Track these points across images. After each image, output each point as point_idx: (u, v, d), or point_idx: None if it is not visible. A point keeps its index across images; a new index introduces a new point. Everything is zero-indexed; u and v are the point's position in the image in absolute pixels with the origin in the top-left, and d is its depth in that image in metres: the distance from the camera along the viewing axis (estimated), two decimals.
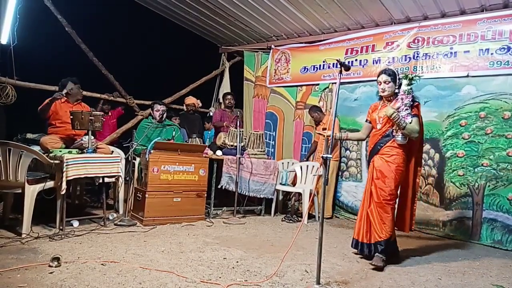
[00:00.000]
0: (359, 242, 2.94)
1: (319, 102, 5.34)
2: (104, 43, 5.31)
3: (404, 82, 2.85)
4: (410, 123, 2.79)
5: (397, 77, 2.90)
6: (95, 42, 5.18)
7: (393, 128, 2.86)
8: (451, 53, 4.26)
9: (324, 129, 4.85)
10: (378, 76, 2.94)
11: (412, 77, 2.83)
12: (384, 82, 2.90)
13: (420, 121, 2.90)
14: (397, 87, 2.89)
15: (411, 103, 2.82)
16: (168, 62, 6.13)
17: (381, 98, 3.01)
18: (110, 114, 5.68)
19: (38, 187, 3.07)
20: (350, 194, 4.92)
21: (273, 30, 5.69)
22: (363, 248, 2.92)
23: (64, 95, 3.71)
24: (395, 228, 3.01)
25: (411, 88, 2.82)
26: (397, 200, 2.96)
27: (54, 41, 4.82)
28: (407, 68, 4.56)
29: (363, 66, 4.95)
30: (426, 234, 4.15)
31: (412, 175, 3.02)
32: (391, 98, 2.93)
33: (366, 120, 3.11)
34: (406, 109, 2.81)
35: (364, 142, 4.74)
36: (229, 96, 5.47)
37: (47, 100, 3.65)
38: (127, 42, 5.61)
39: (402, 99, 2.83)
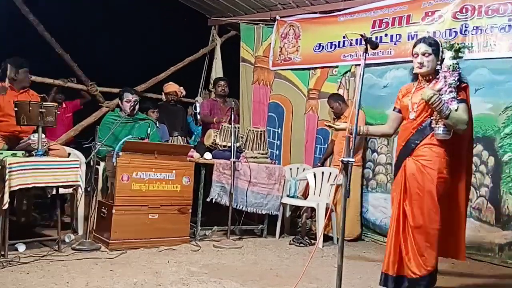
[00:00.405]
0: (384, 274, 2.84)
1: (338, 89, 5.34)
2: (59, 14, 5.29)
3: (448, 54, 2.71)
4: (456, 110, 2.65)
5: (440, 50, 2.77)
6: (47, 12, 5.15)
7: (432, 117, 2.73)
8: (509, 26, 4.25)
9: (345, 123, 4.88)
10: (415, 46, 2.84)
11: (459, 48, 2.70)
12: (423, 54, 2.76)
13: (469, 109, 2.78)
14: (439, 62, 2.76)
15: (457, 83, 2.69)
16: (142, 39, 6.12)
17: (416, 77, 2.88)
18: (64, 106, 5.67)
19: None
20: (378, 209, 4.92)
21: None
22: (387, 281, 2.81)
23: (8, 87, 3.70)
24: (445, 256, 2.95)
25: (457, 63, 2.69)
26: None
27: None
28: None
29: (395, 43, 4.95)
30: (477, 261, 4.14)
31: (465, 184, 2.90)
32: (431, 77, 2.81)
33: (394, 109, 2.99)
34: (451, 91, 2.67)
35: (394, 140, 4.71)
36: (222, 82, 5.48)
37: None
38: (88, 13, 5.60)
39: (445, 77, 2.70)
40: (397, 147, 2.97)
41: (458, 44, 2.74)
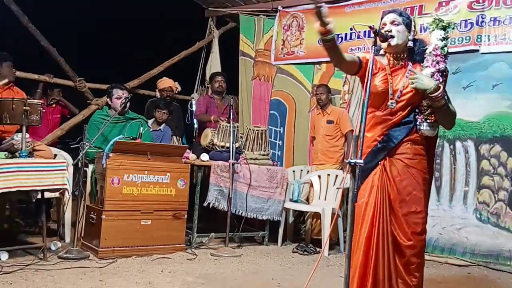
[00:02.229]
0: None
1: (343, 85, 5.35)
2: (44, 4, 5.30)
3: (438, 33, 2.45)
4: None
5: (412, 25, 2.51)
6: (31, 2, 5.15)
7: (422, 111, 2.46)
8: None
9: (329, 121, 4.96)
10: (382, 17, 2.56)
11: (448, 24, 2.44)
12: (392, 23, 2.48)
13: None
14: (410, 38, 2.49)
15: (446, 70, 2.45)
16: (134, 31, 6.13)
17: (382, 57, 2.58)
18: (54, 106, 5.69)
19: None
20: None
21: None
22: None
23: None
24: None
25: (446, 45, 2.43)
26: None
27: None
28: (468, 38, 4.55)
29: None
30: (494, 271, 4.12)
31: (428, 188, 2.61)
32: (403, 55, 2.53)
33: (358, 57, 2.53)
34: (443, 81, 2.43)
35: None
36: (219, 77, 5.49)
37: None
38: (75, 4, 5.60)
39: (437, 62, 2.42)
40: (368, 143, 2.48)
41: (446, 21, 2.46)
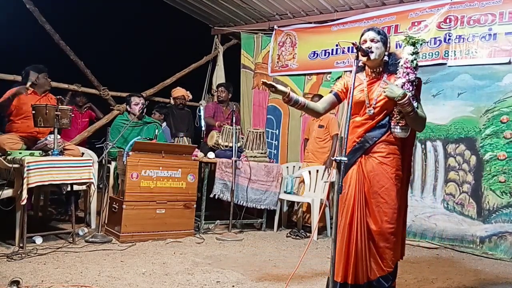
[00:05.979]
0: (339, 284, 2.39)
1: None
2: (72, 23, 5.31)
3: (409, 49, 2.42)
4: (417, 108, 2.42)
5: (388, 42, 2.50)
6: (62, 22, 5.17)
7: (394, 116, 2.43)
8: (489, 35, 4.27)
9: (320, 125, 4.96)
10: (363, 34, 2.52)
11: (418, 41, 2.42)
12: (371, 40, 2.45)
13: None
14: (387, 53, 2.49)
15: (416, 80, 2.43)
16: (150, 47, 6.13)
17: (361, 69, 2.55)
18: (83, 112, 5.69)
19: None
20: None
21: (276, 7, 5.70)
22: None
23: (29, 87, 3.71)
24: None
25: (415, 59, 2.42)
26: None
27: (13, 21, 4.82)
28: (437, 53, 4.58)
29: None
30: (459, 253, 4.15)
31: (405, 184, 2.54)
32: (381, 69, 2.51)
33: (331, 91, 2.62)
34: (414, 89, 2.41)
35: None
36: (220, 88, 5.51)
37: (7, 93, 3.65)
38: (99, 23, 5.62)
39: (407, 74, 2.40)
40: (349, 143, 2.47)
41: (414, 37, 2.43)
